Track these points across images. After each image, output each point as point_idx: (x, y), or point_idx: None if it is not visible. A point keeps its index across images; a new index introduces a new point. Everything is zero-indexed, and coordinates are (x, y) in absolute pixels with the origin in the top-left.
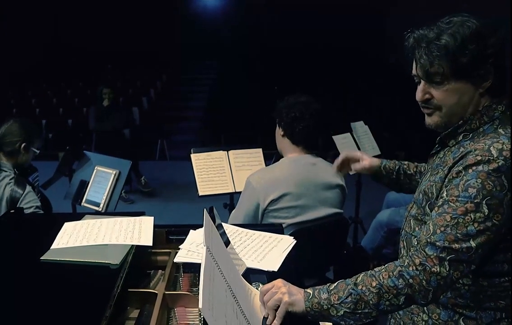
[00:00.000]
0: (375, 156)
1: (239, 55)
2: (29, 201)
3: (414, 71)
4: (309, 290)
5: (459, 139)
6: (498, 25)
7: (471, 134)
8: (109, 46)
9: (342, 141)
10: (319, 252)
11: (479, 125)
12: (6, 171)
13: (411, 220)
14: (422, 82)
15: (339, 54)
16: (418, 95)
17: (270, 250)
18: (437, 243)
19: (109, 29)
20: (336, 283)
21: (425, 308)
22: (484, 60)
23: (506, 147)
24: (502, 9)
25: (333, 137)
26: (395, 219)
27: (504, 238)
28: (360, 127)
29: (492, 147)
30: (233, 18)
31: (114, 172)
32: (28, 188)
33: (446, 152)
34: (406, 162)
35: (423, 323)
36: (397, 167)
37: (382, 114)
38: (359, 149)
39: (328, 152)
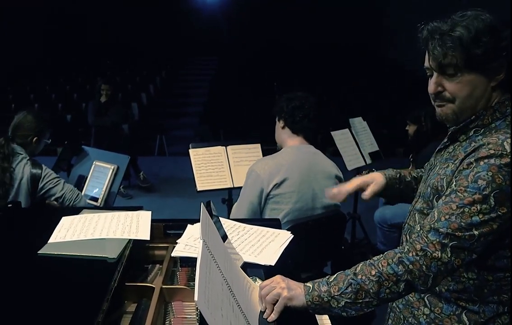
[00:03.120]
0: (372, 152)
1: (238, 51)
2: (50, 174)
3: (426, 64)
4: (309, 284)
5: (470, 134)
6: (510, 20)
7: (483, 130)
8: (108, 41)
9: (341, 137)
10: (317, 247)
11: (491, 121)
12: (22, 153)
13: (416, 214)
14: (435, 74)
15: (338, 49)
16: (431, 88)
17: (267, 244)
18: (440, 230)
19: (109, 24)
20: (335, 275)
21: (426, 301)
22: (497, 52)
23: None
24: (502, 5)
25: (332, 133)
26: (390, 216)
27: (510, 233)
28: (358, 123)
29: (505, 142)
30: (232, 13)
31: (112, 167)
32: (44, 166)
33: (456, 146)
34: (400, 171)
35: (425, 317)
36: (397, 175)
37: (380, 110)
38: (357, 145)
39: (327, 148)
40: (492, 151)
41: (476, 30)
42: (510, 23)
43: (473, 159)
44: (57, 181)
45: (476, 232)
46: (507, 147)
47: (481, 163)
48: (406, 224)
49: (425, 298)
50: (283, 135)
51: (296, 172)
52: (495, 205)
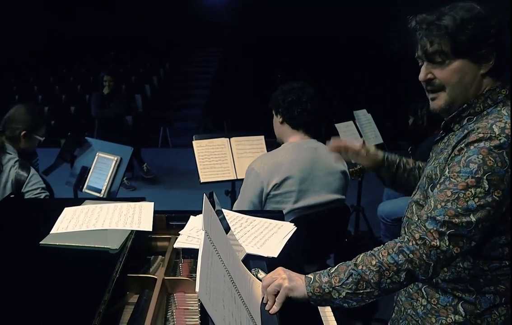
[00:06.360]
0: (377, 145)
1: (242, 43)
2: (34, 183)
3: (417, 53)
4: (310, 275)
5: (464, 123)
6: (498, 9)
7: (475, 117)
8: (112, 33)
9: (345, 129)
10: (320, 239)
11: (483, 108)
12: (10, 154)
13: (413, 205)
14: (425, 63)
15: (343, 42)
16: (421, 75)
17: (270, 236)
18: (438, 218)
19: (112, 16)
20: (336, 266)
21: (424, 292)
22: (484, 39)
23: (509, 126)
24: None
25: (336, 125)
26: (394, 210)
27: (504, 220)
28: (363, 115)
29: (494, 125)
30: (236, 5)
31: (116, 158)
32: (33, 170)
33: (451, 136)
34: (405, 158)
35: (422, 308)
36: (398, 160)
37: (385, 103)
38: (361, 137)
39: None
40: (481, 135)
41: (462, 18)
42: (510, 21)
43: (463, 145)
44: (38, 194)
45: (473, 218)
46: (496, 130)
47: (471, 147)
48: (405, 217)
49: (423, 289)
50: (283, 130)
51: (297, 171)
52: (490, 188)
